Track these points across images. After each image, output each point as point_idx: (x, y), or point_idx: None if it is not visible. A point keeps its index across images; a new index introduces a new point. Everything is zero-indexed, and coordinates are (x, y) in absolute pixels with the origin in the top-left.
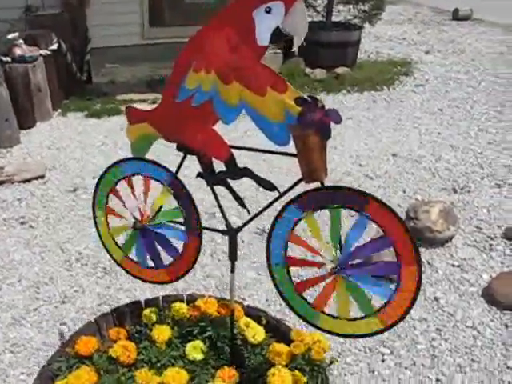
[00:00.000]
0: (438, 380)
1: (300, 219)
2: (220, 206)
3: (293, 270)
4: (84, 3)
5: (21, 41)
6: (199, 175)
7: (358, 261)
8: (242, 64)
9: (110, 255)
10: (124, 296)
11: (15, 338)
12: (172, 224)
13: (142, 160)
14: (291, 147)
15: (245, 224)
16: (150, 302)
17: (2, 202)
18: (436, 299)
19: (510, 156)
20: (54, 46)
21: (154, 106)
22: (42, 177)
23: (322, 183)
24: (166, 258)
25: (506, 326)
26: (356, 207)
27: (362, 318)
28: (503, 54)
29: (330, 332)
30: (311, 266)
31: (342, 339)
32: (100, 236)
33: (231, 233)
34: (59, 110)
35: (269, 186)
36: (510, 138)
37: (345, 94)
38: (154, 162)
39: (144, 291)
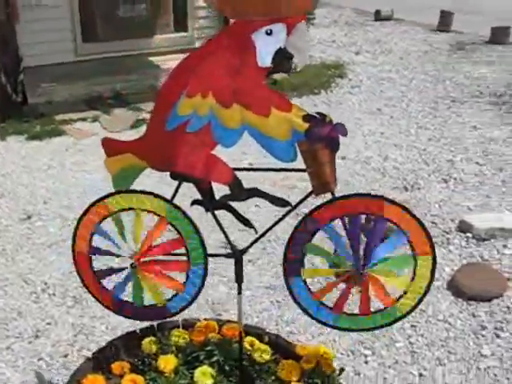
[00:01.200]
0: (421, 375)
1: (316, 231)
2: (223, 230)
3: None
4: (12, 19)
5: None
6: (195, 203)
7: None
8: (243, 86)
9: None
10: (99, 324)
11: None
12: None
13: (137, 192)
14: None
15: (251, 244)
16: (145, 331)
17: None
18: None
19: (450, 151)
20: None
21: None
22: None
23: (333, 194)
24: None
25: (473, 315)
26: (374, 211)
27: (381, 310)
28: (428, 53)
29: (348, 329)
30: (328, 275)
31: (324, 345)
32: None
33: (237, 255)
34: None
35: (281, 203)
36: (448, 134)
37: None
38: (151, 193)
39: (119, 318)
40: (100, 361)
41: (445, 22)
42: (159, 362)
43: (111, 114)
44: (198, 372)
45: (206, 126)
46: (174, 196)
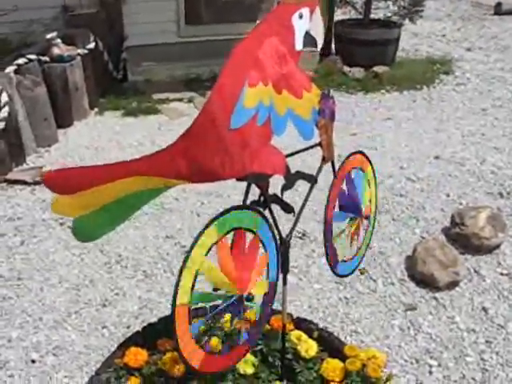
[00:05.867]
0: None
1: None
2: (276, 223)
3: None
4: (120, 0)
5: (58, 40)
6: (253, 204)
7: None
8: (289, 72)
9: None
10: (165, 300)
11: (57, 341)
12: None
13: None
14: None
15: (292, 230)
16: (196, 313)
17: (41, 202)
18: (484, 309)
19: None
20: (91, 45)
21: (192, 106)
22: None
23: (333, 162)
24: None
25: None
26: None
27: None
28: None
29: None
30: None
31: (388, 349)
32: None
33: (285, 246)
34: (96, 109)
35: (312, 178)
36: None
37: (383, 93)
38: (247, 207)
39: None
40: (148, 335)
41: None
42: None
43: (206, 96)
44: None
45: (268, 116)
46: (244, 201)
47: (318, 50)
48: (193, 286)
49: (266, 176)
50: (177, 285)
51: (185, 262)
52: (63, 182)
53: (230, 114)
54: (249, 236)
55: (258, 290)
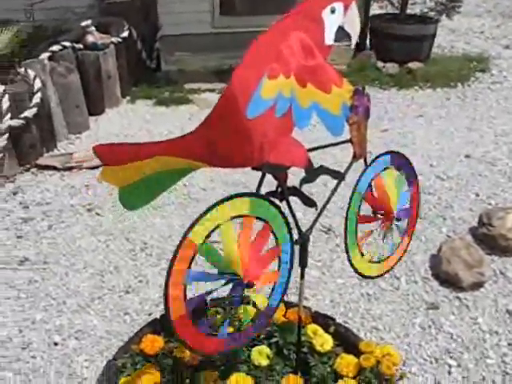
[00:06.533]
0: None
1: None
2: (294, 216)
3: None
4: None
5: (93, 28)
6: (269, 195)
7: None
8: (316, 65)
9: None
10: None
11: (80, 325)
12: None
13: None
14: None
15: (313, 224)
16: (214, 302)
17: (70, 188)
18: (509, 312)
19: None
20: (125, 34)
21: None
22: None
23: (365, 159)
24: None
25: None
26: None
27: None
28: None
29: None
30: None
31: (407, 347)
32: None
33: (304, 239)
34: (128, 97)
35: (339, 175)
36: None
37: (417, 89)
38: (255, 194)
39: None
40: (166, 323)
41: None
42: None
43: None
44: (254, 350)
45: (289, 108)
46: (258, 190)
47: (353, 45)
48: (190, 263)
49: (284, 167)
50: (173, 258)
51: (184, 236)
52: (110, 154)
53: (247, 103)
54: (259, 225)
55: (265, 280)
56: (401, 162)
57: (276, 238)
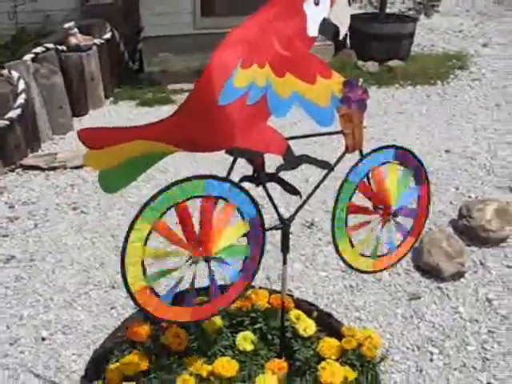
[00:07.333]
0: None
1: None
2: (272, 201)
3: None
4: None
5: (76, 30)
6: (244, 179)
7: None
8: (296, 55)
9: (125, 280)
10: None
11: (67, 320)
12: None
13: (230, 182)
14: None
15: (296, 212)
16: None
17: (55, 188)
18: (488, 300)
19: None
20: (108, 35)
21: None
22: None
23: (361, 151)
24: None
25: None
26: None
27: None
28: None
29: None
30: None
31: (390, 336)
32: (124, 253)
33: (285, 225)
34: (111, 99)
35: (326, 165)
36: None
37: (397, 87)
38: (242, 188)
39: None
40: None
41: None
42: (205, 321)
43: None
44: (239, 336)
45: (263, 96)
46: (228, 174)
47: (341, 38)
48: (146, 239)
49: (256, 153)
50: (130, 227)
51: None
52: (94, 138)
53: (219, 91)
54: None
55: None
56: (405, 158)
57: (243, 218)
